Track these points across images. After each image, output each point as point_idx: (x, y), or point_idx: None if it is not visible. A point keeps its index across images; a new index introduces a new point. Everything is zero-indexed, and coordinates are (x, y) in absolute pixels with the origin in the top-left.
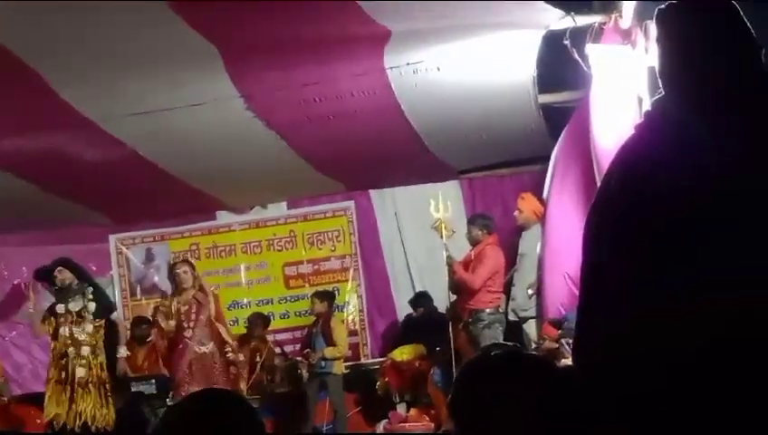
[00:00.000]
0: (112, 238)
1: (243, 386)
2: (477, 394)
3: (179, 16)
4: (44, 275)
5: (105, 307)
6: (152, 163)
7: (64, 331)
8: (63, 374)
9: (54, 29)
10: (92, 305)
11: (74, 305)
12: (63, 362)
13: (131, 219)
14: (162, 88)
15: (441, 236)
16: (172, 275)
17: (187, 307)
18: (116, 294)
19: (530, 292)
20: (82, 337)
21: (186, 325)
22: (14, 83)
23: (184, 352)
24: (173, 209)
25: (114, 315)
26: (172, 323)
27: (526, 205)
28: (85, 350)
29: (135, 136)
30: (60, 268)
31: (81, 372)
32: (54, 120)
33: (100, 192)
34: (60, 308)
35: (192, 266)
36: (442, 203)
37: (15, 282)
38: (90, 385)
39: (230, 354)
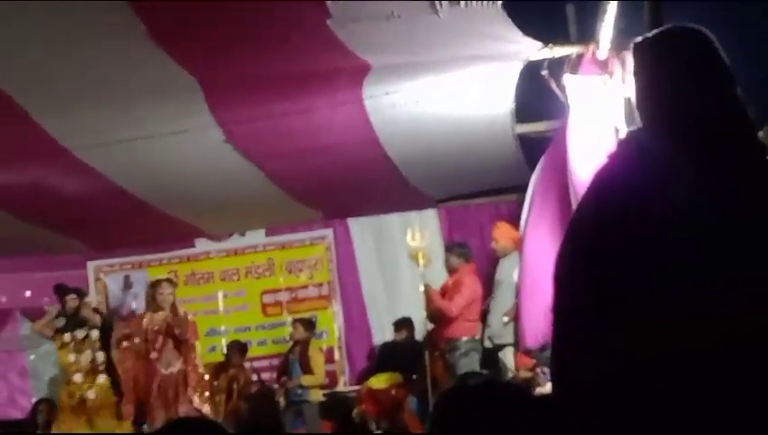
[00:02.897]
0: (90, 265)
1: (208, 409)
2: (454, 424)
3: (160, 48)
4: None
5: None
6: (130, 192)
7: (71, 357)
8: (73, 400)
9: (34, 58)
10: (95, 333)
11: (80, 333)
12: (72, 387)
13: (110, 247)
14: (141, 118)
15: (418, 265)
16: (152, 293)
17: (157, 327)
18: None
19: (506, 319)
20: (87, 363)
21: (154, 346)
22: None
23: (153, 373)
24: (152, 237)
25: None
26: (137, 340)
27: (501, 233)
28: (91, 374)
29: (113, 165)
30: (73, 296)
31: (92, 395)
32: (33, 149)
33: (79, 220)
34: (67, 337)
35: (173, 286)
36: (419, 232)
37: None
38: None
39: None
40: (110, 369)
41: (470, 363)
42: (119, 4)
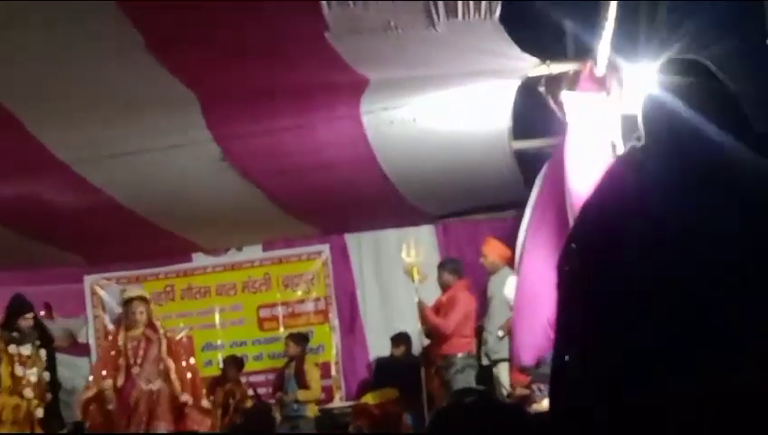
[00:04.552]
0: (87, 279)
1: (197, 426)
2: None
3: (158, 61)
4: (15, 312)
5: (51, 352)
6: (127, 206)
7: (18, 371)
8: (20, 414)
9: (31, 70)
10: (43, 352)
11: (26, 350)
12: (18, 402)
13: (106, 261)
14: (138, 132)
15: (413, 281)
16: (125, 312)
17: (135, 343)
18: (89, 335)
19: (500, 334)
20: (34, 379)
21: (133, 362)
22: None
23: (129, 388)
24: (148, 251)
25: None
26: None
27: (490, 250)
28: (37, 391)
29: (110, 180)
30: (27, 315)
31: (40, 413)
32: (29, 162)
33: (75, 234)
34: (12, 349)
35: (147, 304)
36: (414, 248)
37: None
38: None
39: (181, 396)
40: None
41: (466, 380)
42: (117, 16)
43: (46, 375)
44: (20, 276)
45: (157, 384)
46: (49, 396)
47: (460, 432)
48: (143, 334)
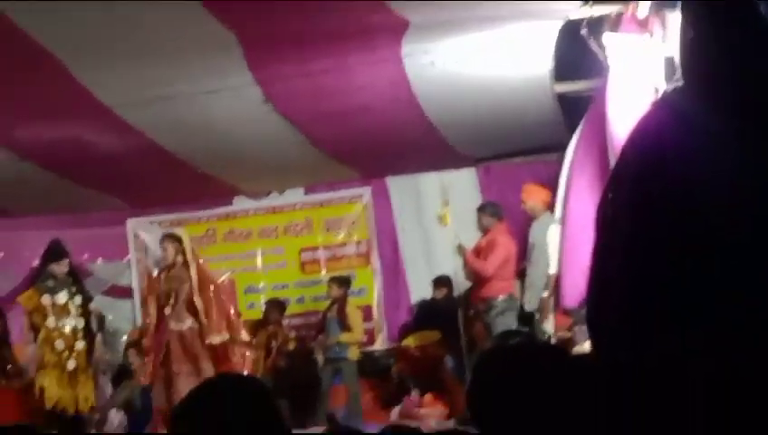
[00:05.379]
0: (130, 223)
1: (239, 362)
2: (494, 384)
3: (200, 3)
4: (50, 258)
5: (87, 299)
6: (169, 150)
7: (51, 322)
8: (57, 361)
9: (74, 15)
10: (78, 298)
11: (60, 298)
12: (55, 350)
13: (149, 204)
14: (180, 75)
15: (452, 224)
16: (161, 251)
17: (168, 283)
18: (132, 278)
19: (544, 280)
20: (68, 329)
21: (165, 302)
22: (33, 69)
23: (163, 329)
24: (190, 195)
25: (92, 306)
26: (152, 300)
27: (531, 194)
28: (71, 340)
29: (152, 123)
30: (62, 261)
31: (71, 365)
32: (72, 106)
33: (117, 178)
34: (46, 299)
35: (177, 241)
36: (455, 191)
37: (34, 265)
38: (82, 373)
39: (211, 336)
40: (86, 335)
41: (506, 323)
42: None
43: (81, 323)
44: (62, 220)
45: (188, 324)
46: (83, 344)
47: (505, 375)
48: (176, 274)
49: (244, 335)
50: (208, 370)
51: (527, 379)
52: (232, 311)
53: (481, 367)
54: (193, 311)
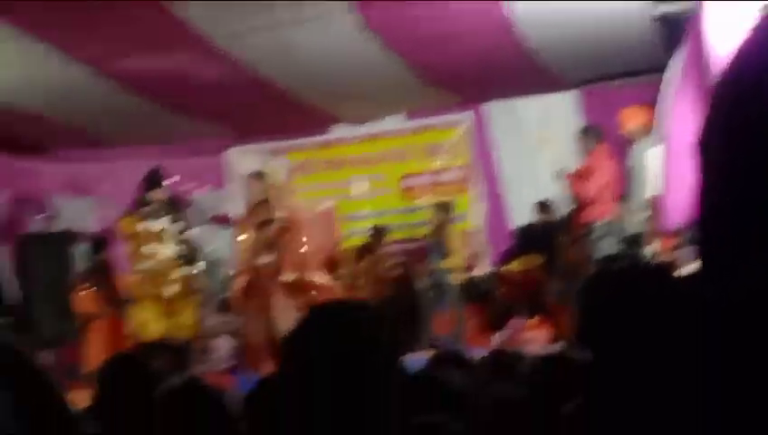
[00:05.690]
0: (230, 152)
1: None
2: (602, 307)
3: None
4: (150, 185)
5: (185, 227)
6: (268, 79)
7: (150, 248)
8: (155, 289)
9: None
10: (177, 226)
11: (158, 225)
12: (153, 278)
13: (249, 133)
14: (280, 3)
15: (551, 148)
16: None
17: (257, 220)
18: (233, 208)
19: (645, 203)
20: (166, 256)
21: (256, 237)
22: None
23: (253, 264)
24: (289, 123)
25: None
26: (244, 237)
27: (630, 118)
28: (169, 267)
29: (252, 52)
30: (161, 188)
31: (169, 292)
32: (172, 36)
33: (217, 108)
34: (143, 225)
35: (263, 178)
36: (553, 114)
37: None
38: (181, 301)
39: (287, 273)
40: (184, 262)
41: (608, 246)
42: None
43: (179, 250)
44: (164, 150)
45: (270, 259)
46: (181, 272)
47: (611, 298)
48: (262, 210)
49: (320, 276)
50: (293, 304)
51: (634, 302)
52: (307, 249)
53: (588, 291)
54: (277, 246)
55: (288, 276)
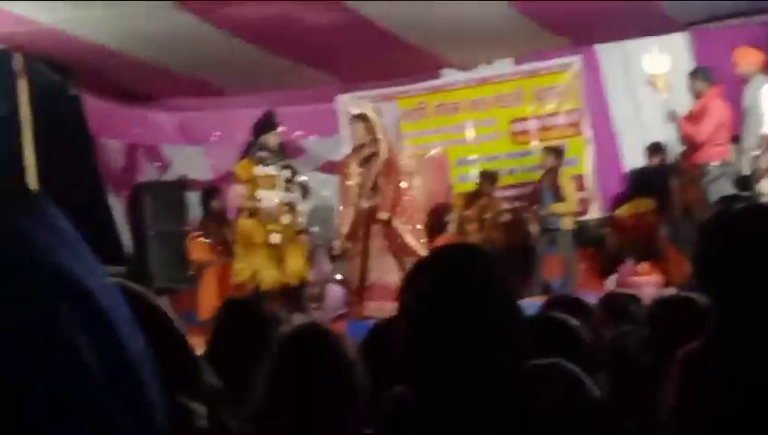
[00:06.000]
0: (340, 98)
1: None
2: (723, 249)
3: None
4: (262, 129)
5: (294, 172)
6: (377, 23)
7: (261, 193)
8: (264, 234)
9: None
10: (287, 172)
11: (270, 170)
12: (262, 222)
13: (358, 79)
14: None
15: (660, 90)
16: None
17: (359, 163)
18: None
19: (758, 141)
20: (275, 201)
21: (355, 181)
22: None
23: (357, 208)
24: (399, 69)
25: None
26: (350, 183)
27: (743, 58)
28: (279, 213)
29: None
30: (275, 132)
31: (276, 238)
32: None
33: (328, 53)
34: (257, 170)
35: (365, 120)
36: (665, 56)
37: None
38: (290, 245)
39: (381, 214)
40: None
41: (721, 189)
42: None
43: (288, 196)
44: (274, 98)
45: (370, 202)
46: (290, 217)
47: (733, 238)
48: (365, 154)
49: (405, 222)
50: (378, 247)
51: (756, 242)
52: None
53: (709, 233)
54: (379, 189)
55: (383, 215)
